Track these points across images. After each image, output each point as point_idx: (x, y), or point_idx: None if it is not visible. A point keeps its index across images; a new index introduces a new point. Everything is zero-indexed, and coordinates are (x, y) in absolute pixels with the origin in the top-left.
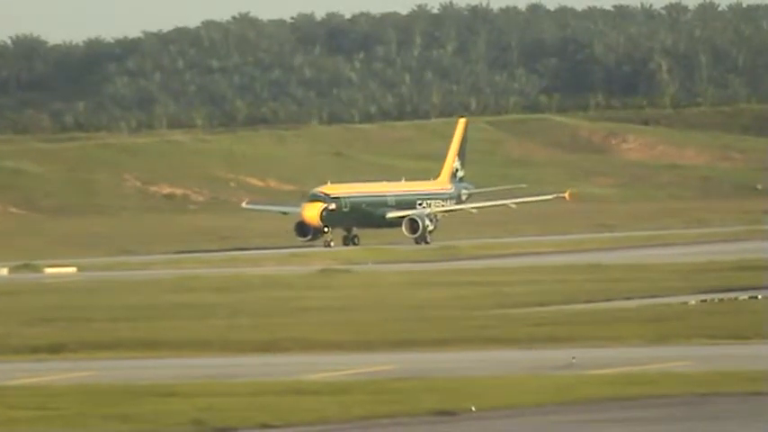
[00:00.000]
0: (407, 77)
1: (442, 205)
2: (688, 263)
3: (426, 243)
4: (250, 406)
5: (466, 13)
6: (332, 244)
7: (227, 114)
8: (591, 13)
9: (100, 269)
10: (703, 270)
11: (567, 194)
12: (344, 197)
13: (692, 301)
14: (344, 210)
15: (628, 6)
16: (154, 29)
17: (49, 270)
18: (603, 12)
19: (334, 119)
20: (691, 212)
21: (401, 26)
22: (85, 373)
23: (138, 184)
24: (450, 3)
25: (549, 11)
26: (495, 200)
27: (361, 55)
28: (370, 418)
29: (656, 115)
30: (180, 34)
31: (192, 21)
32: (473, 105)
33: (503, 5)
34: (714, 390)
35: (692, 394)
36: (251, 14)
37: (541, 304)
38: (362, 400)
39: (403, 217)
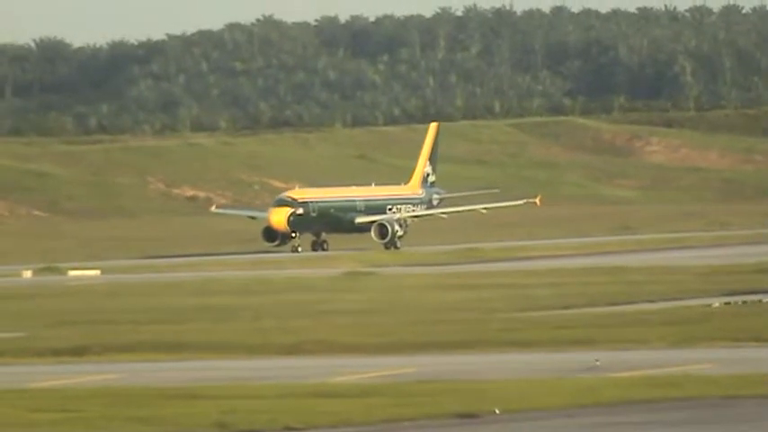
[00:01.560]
0: (431, 80)
1: (413, 210)
2: (711, 265)
3: (396, 248)
4: (274, 408)
5: (490, 15)
6: (299, 249)
7: (250, 117)
8: (615, 15)
9: (123, 272)
10: (726, 272)
11: (537, 200)
12: (312, 202)
13: (715, 303)
14: (312, 215)
15: (652, 9)
16: (177, 31)
17: (72, 272)
18: (627, 14)
19: (357, 122)
20: (713, 215)
21: (425, 29)
22: (109, 375)
23: (162, 186)
24: (474, 5)
25: (572, 13)
26: (468, 205)
27: (385, 57)
28: (393, 421)
29: (679, 118)
30: (204, 37)
31: (216, 23)
32: (497, 108)
33: (526, 8)
34: (737, 392)
35: (715, 397)
36: (275, 17)
37: (564, 307)
38: (386, 403)
39: (372, 222)
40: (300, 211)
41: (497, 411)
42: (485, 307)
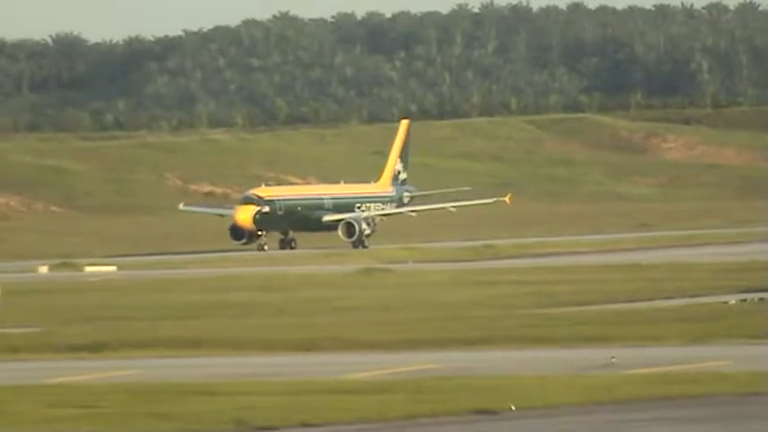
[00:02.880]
0: (448, 77)
1: (382, 208)
2: (728, 262)
3: (364, 247)
4: (291, 405)
5: (506, 12)
6: (266, 248)
7: (267, 113)
8: (632, 12)
9: (140, 268)
10: (743, 269)
11: (507, 198)
12: (279, 200)
13: (732, 300)
14: (279, 213)
15: (668, 6)
16: (194, 27)
17: (89, 269)
18: (644, 11)
19: (374, 118)
20: (730, 212)
21: (442, 25)
22: (126, 371)
23: (179, 182)
24: (491, 2)
25: (589, 10)
26: (438, 203)
27: (402, 54)
28: (410, 418)
29: (696, 115)
30: (220, 33)
31: (233, 19)
32: (513, 105)
33: (543, 5)
34: (754, 389)
35: (732, 394)
36: (291, 13)
37: (581, 304)
38: (403, 400)
39: (340, 220)
40: (266, 209)
41: (513, 408)
42: (502, 303)
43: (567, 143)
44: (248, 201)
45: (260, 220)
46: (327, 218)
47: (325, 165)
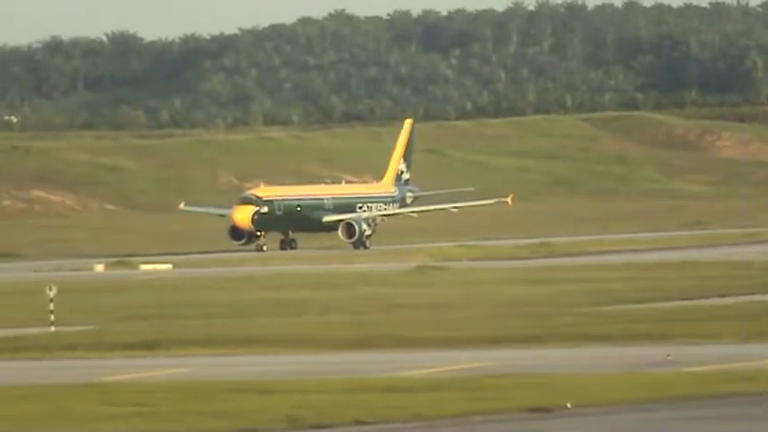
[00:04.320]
0: (503, 74)
1: (384, 209)
2: None
3: (365, 248)
4: (344, 403)
5: (562, 10)
6: (265, 248)
7: (322, 111)
8: (687, 10)
9: (194, 266)
10: None
11: (509, 199)
12: (278, 200)
13: None
14: (278, 213)
15: (724, 3)
16: (250, 25)
17: (144, 266)
18: (699, 9)
19: (429, 116)
20: None
21: (497, 23)
22: (180, 369)
23: (234, 180)
24: (547, 0)
25: (645, 8)
26: (443, 203)
27: (457, 52)
28: (464, 416)
29: (751, 112)
30: (276, 31)
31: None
32: (569, 102)
33: (599, 2)
34: None
35: None
36: (347, 11)
37: (637, 301)
38: (457, 397)
39: (340, 221)
40: (265, 209)
41: (569, 406)
42: (557, 301)
43: (622, 141)
44: (247, 201)
45: (258, 220)
46: (327, 218)
47: (380, 162)
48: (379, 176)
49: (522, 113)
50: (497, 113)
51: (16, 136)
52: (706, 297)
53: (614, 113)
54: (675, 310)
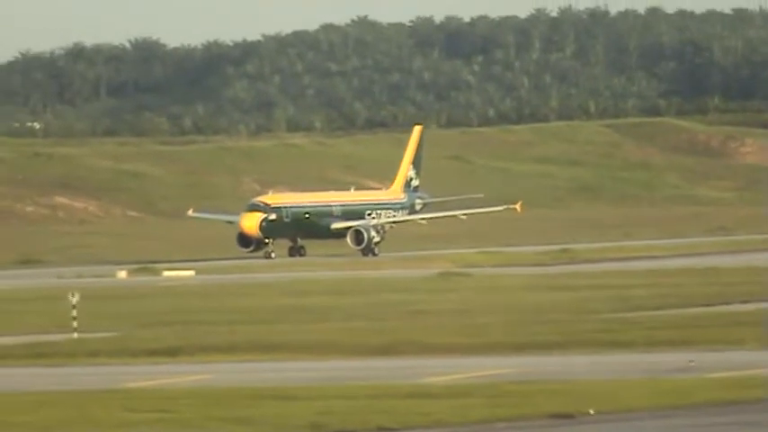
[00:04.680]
0: (526, 81)
1: (393, 216)
2: None
3: (374, 255)
4: (368, 409)
5: (585, 16)
6: (273, 255)
7: (345, 117)
8: (710, 16)
9: (217, 272)
10: None
11: (518, 206)
12: (286, 207)
13: None
14: (286, 220)
15: (747, 10)
16: (273, 32)
17: (166, 273)
18: (722, 15)
19: (452, 122)
20: None
21: (520, 29)
22: (203, 376)
23: (257, 186)
24: (569, 6)
25: (667, 14)
26: (451, 210)
27: (480, 58)
28: (487, 422)
29: None
30: (299, 37)
31: (311, 24)
32: (591, 108)
33: (622, 9)
34: None
35: None
36: (370, 18)
37: (659, 307)
38: (481, 404)
39: (348, 228)
40: (273, 216)
41: (592, 412)
42: (579, 307)
43: (645, 147)
44: (254, 208)
45: (266, 227)
46: (336, 225)
47: None
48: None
49: (544, 120)
50: (520, 120)
51: (39, 142)
52: (728, 303)
53: (637, 120)
54: (698, 316)
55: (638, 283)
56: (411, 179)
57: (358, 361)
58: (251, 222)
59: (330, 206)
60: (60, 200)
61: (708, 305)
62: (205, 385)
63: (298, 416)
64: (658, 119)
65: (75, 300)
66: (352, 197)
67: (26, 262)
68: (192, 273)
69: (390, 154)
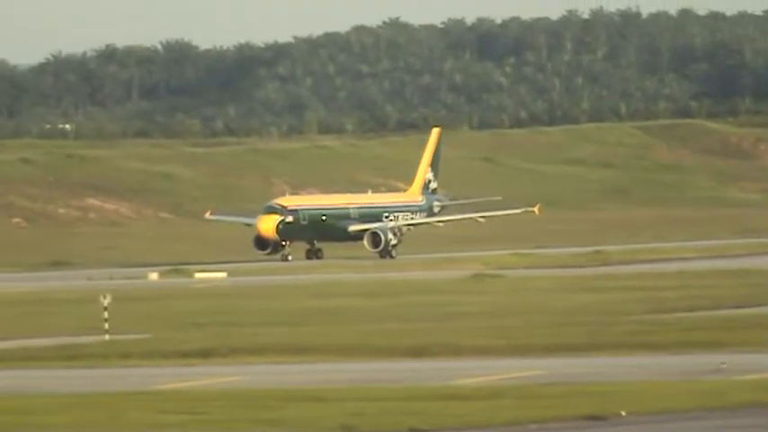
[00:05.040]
0: (558, 83)
1: (411, 218)
2: None
3: (391, 257)
4: (399, 411)
5: (616, 18)
6: (290, 258)
7: (376, 120)
8: (741, 18)
9: (249, 274)
10: None
11: (536, 209)
12: (303, 209)
13: None
14: (303, 222)
15: None
16: (304, 34)
17: (198, 275)
18: (754, 17)
19: (484, 124)
20: None
21: (551, 31)
22: (235, 377)
23: (288, 188)
24: (601, 8)
25: (699, 16)
26: (469, 213)
27: (512, 60)
28: (519, 424)
29: None
30: (330, 39)
31: (343, 26)
32: (623, 110)
33: (653, 10)
34: None
35: None
36: (401, 19)
37: (690, 309)
38: (512, 405)
39: (366, 230)
40: (290, 219)
41: (624, 414)
42: (611, 309)
43: (676, 149)
44: (271, 210)
45: (283, 230)
46: (353, 228)
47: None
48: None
49: (576, 121)
50: (552, 122)
51: (71, 144)
52: (759, 305)
53: (668, 121)
54: (729, 318)
55: (670, 285)
56: (429, 181)
57: (389, 363)
58: (268, 225)
59: (347, 209)
60: (92, 202)
61: (739, 307)
62: (237, 387)
63: (329, 417)
64: (689, 121)
65: (106, 301)
66: (369, 199)
67: (58, 264)
68: (223, 274)
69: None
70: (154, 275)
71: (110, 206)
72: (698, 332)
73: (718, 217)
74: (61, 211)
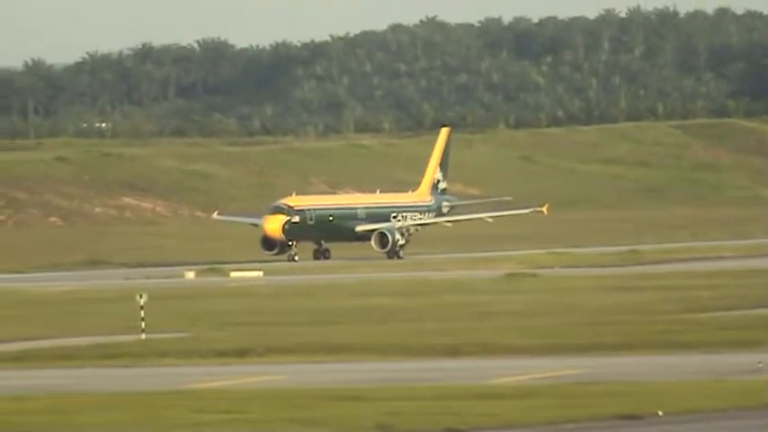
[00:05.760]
0: (594, 82)
1: (420, 218)
2: None
3: (399, 258)
4: (435, 410)
5: (653, 17)
6: (297, 258)
7: (413, 118)
8: None
9: (285, 273)
10: None
11: (544, 209)
12: (309, 210)
13: None
14: (309, 223)
15: None
16: (341, 32)
17: (234, 274)
18: None
19: (520, 123)
20: None
21: (588, 30)
22: (271, 377)
23: (325, 187)
24: (638, 7)
25: (736, 15)
26: (480, 213)
27: (549, 59)
28: (555, 423)
29: None
30: (367, 38)
31: (380, 24)
32: (660, 109)
33: (690, 9)
34: None
35: None
36: (438, 18)
37: (726, 309)
38: (548, 405)
39: (373, 230)
40: (296, 219)
41: (660, 413)
42: (646, 309)
43: (713, 148)
44: (278, 210)
45: (290, 230)
46: (360, 228)
47: (472, 169)
48: (469, 184)
49: (613, 121)
50: (589, 121)
51: (107, 143)
52: None
53: (705, 121)
54: (765, 317)
55: (706, 284)
56: (438, 181)
57: (425, 362)
58: (274, 225)
59: (354, 209)
60: (128, 200)
61: None
62: (273, 386)
63: (365, 417)
64: (726, 120)
65: (143, 300)
66: (377, 199)
67: (94, 263)
68: (259, 273)
69: (458, 155)
70: (190, 274)
71: (146, 205)
72: (734, 332)
73: (754, 216)
74: (97, 209)
